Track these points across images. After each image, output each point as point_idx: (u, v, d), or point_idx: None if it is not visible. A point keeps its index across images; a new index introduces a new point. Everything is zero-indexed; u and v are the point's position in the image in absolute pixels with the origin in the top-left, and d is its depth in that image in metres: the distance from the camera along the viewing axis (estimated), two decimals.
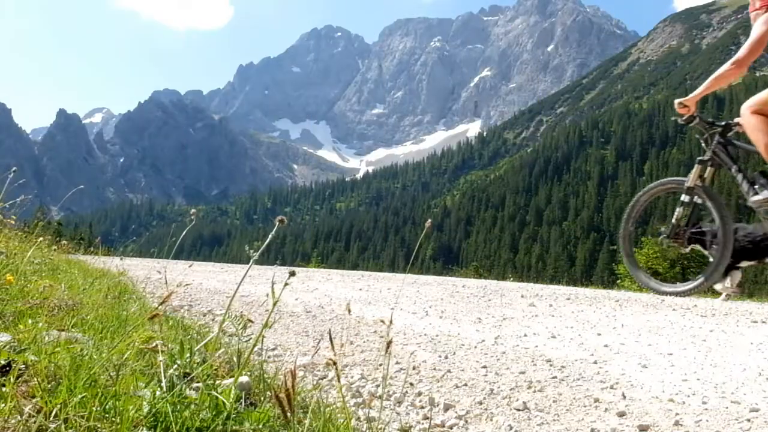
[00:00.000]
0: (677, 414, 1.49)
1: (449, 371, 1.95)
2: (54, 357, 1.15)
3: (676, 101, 4.24)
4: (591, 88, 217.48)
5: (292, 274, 1.14)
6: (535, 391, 1.72)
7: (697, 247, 4.19)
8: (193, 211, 1.75)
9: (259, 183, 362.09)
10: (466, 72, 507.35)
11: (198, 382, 1.15)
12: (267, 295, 3.41)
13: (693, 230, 4.21)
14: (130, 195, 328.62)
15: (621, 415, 1.51)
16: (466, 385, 1.81)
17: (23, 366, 1.10)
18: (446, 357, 2.13)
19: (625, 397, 1.65)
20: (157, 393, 1.03)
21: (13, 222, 3.66)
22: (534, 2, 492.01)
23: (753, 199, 3.78)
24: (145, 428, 0.96)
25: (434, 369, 1.98)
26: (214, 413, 1.03)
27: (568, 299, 3.61)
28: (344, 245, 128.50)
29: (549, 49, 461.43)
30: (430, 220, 1.69)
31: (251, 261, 1.21)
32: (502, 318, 2.93)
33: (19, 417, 0.92)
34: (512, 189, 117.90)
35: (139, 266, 5.21)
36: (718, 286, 4.09)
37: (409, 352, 2.20)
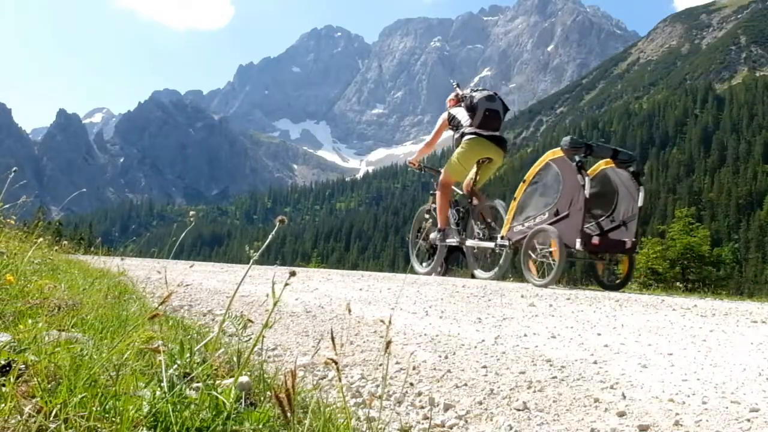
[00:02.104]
0: (677, 414, 1.50)
1: (449, 371, 1.95)
2: (54, 357, 1.15)
3: (407, 160, 6.58)
4: (591, 88, 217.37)
5: (293, 274, 1.14)
6: (535, 391, 1.73)
7: (432, 246, 6.18)
8: (192, 213, 1.75)
9: (259, 183, 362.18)
10: (466, 72, 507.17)
11: (198, 382, 1.15)
12: (267, 295, 3.41)
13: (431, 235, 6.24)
14: (130, 195, 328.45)
15: (621, 415, 1.51)
16: (466, 385, 1.81)
17: (23, 366, 1.10)
18: (446, 357, 2.13)
19: (625, 397, 1.65)
20: (157, 393, 1.03)
21: (13, 222, 3.66)
22: (534, 2, 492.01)
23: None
24: (145, 428, 0.96)
25: (434, 369, 1.98)
26: (214, 413, 1.03)
27: (568, 299, 3.61)
28: (344, 245, 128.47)
29: (549, 49, 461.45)
30: (431, 220, 1.70)
31: (251, 261, 1.21)
32: (502, 318, 2.93)
33: (19, 417, 0.92)
34: (512, 189, 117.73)
35: (139, 266, 5.21)
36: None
37: (409, 352, 2.20)
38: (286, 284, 1.11)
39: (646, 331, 2.57)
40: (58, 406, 0.94)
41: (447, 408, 1.61)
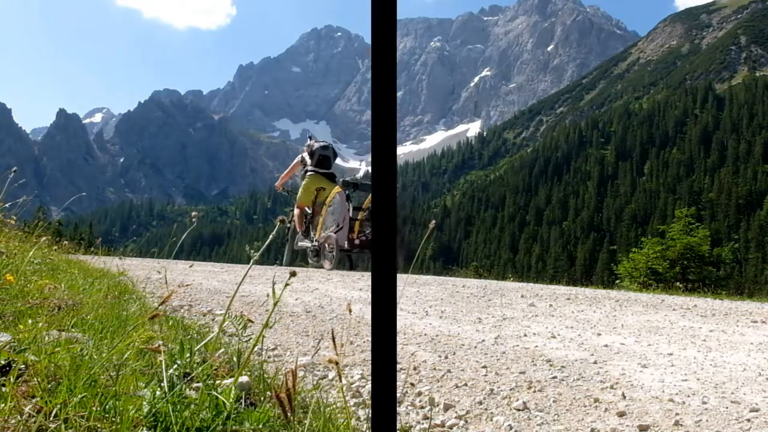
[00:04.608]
0: (677, 414, 1.49)
1: (449, 371, 1.95)
2: (54, 357, 1.15)
3: (275, 185, 9.69)
4: (591, 88, 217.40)
5: (293, 274, 1.14)
6: (535, 391, 1.72)
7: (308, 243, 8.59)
8: (194, 213, 1.75)
9: (259, 183, 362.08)
10: (466, 72, 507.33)
11: (198, 382, 1.15)
12: (267, 295, 3.41)
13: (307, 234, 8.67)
14: (130, 195, 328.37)
15: (621, 415, 1.51)
16: (466, 385, 1.81)
17: (23, 366, 1.10)
18: (446, 357, 2.13)
19: (625, 397, 1.65)
20: (157, 393, 1.03)
21: (13, 222, 3.66)
22: (534, 2, 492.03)
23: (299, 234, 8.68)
24: (145, 428, 0.96)
25: (434, 369, 1.98)
26: (214, 413, 1.03)
27: (568, 299, 3.61)
28: None
29: (549, 49, 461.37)
30: (434, 221, 1.71)
31: (251, 261, 1.21)
32: (502, 318, 2.93)
33: (19, 417, 0.92)
34: (512, 189, 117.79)
35: (139, 266, 5.21)
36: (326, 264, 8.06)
37: (410, 352, 2.20)
38: (287, 284, 1.11)
39: (646, 331, 2.57)
40: (58, 406, 0.94)
41: (447, 408, 1.61)
